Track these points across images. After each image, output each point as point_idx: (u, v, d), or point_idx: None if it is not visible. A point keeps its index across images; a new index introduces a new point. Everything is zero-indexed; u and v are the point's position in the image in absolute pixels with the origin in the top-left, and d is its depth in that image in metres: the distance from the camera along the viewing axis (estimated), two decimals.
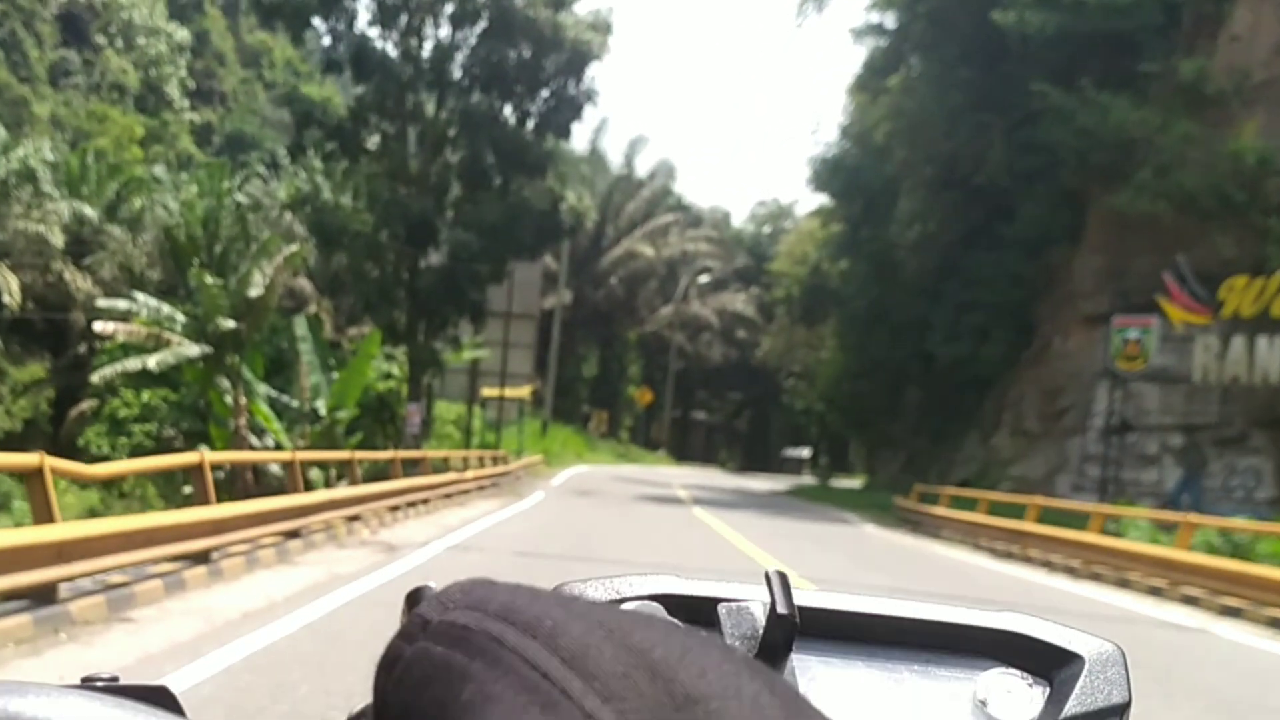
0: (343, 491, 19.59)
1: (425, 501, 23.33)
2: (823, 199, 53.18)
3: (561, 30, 38.84)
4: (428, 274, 39.41)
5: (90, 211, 49.37)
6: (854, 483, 60.61)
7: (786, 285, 60.29)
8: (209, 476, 13.89)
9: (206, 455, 14.62)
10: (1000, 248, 35.53)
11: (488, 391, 47.17)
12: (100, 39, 73.39)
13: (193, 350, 31.31)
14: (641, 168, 74.38)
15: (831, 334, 58.44)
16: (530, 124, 40.62)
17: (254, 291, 31.27)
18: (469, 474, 28.28)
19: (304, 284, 57.10)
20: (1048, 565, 21.25)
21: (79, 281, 44.71)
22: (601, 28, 39.85)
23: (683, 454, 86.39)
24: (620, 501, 32.16)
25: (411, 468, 27.86)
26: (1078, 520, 23.09)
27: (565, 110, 40.23)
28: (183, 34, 79.18)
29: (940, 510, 27.92)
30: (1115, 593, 17.90)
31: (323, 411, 32.73)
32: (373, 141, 39.80)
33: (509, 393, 46.74)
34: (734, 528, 24.46)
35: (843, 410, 55.97)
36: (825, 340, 78.19)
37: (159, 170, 61.31)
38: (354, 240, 38.98)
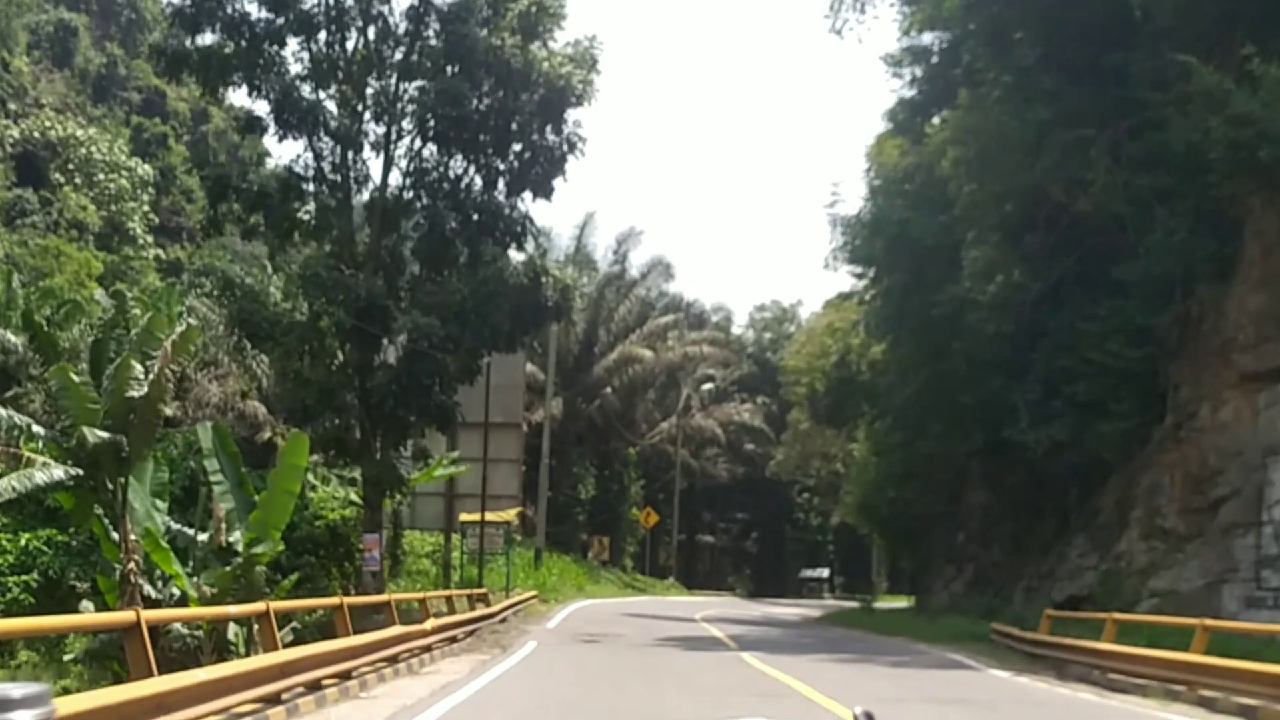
0: (203, 675, 11.44)
1: (348, 676, 15.11)
2: (841, 283, 45.66)
3: (534, 64, 31.43)
4: (381, 371, 31.54)
5: (14, 339, 42.75)
6: (894, 604, 52.19)
7: (807, 382, 52.39)
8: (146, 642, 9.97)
9: (144, 614, 10.82)
10: (1111, 296, 27.76)
11: (466, 516, 39.01)
12: (58, 176, 69.45)
13: (56, 473, 23.33)
14: (634, 265, 67.04)
15: (864, 435, 50.41)
16: (501, 183, 33.03)
17: (133, 390, 23.33)
18: (427, 624, 20.09)
19: (256, 406, 49.49)
20: None
21: None
22: (584, 62, 32.44)
23: (690, 580, 77.87)
24: (641, 648, 24.06)
25: (366, 618, 19.94)
26: None
27: (543, 164, 32.65)
28: (145, 169, 73.95)
29: (1108, 645, 19.67)
30: None
31: (242, 547, 24.58)
32: (306, 212, 32.14)
33: (493, 516, 38.59)
34: (817, 685, 16.43)
35: (882, 522, 47.68)
36: (847, 444, 70.44)
37: (99, 295, 54.80)
38: (286, 333, 31.19)
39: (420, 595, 22.51)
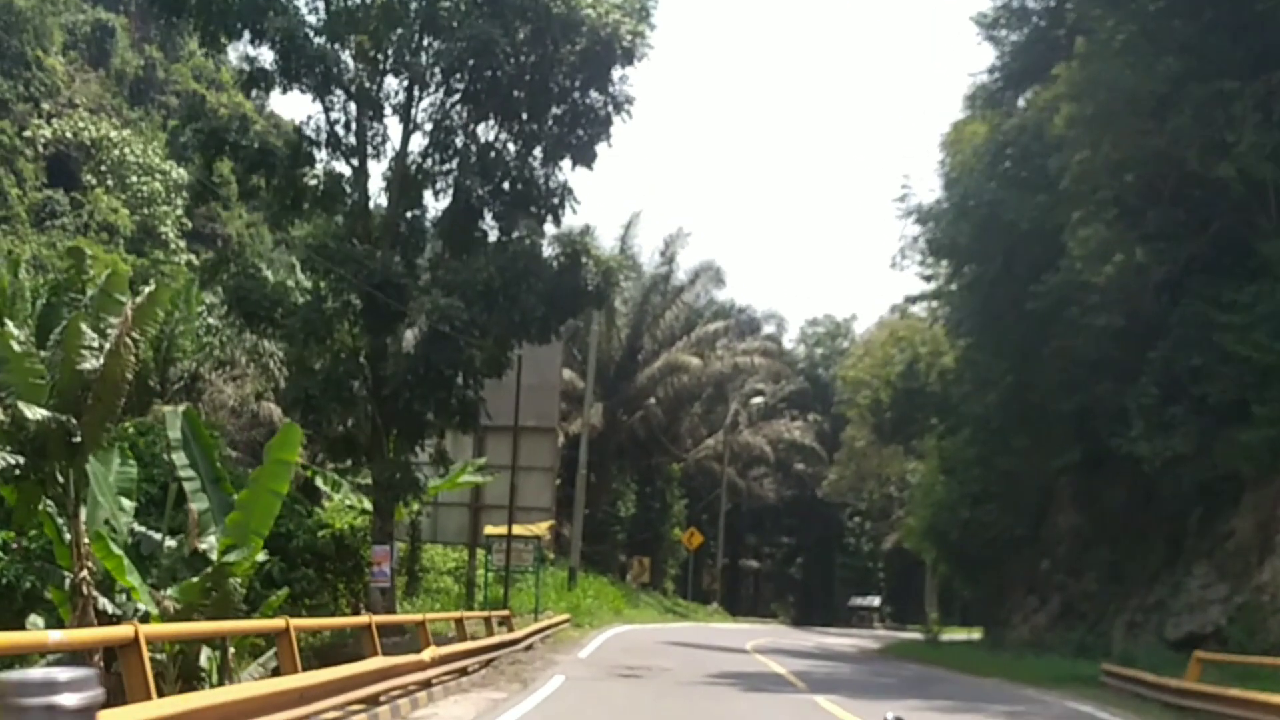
0: None
1: None
2: (909, 286, 41.13)
3: (577, 11, 27.42)
4: (397, 360, 27.54)
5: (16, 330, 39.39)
6: (956, 636, 47.65)
7: (869, 394, 47.97)
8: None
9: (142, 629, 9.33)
10: (1256, 279, 23.36)
11: (492, 529, 34.92)
12: (90, 178, 67.18)
13: None
14: (682, 269, 62.72)
15: (932, 451, 45.97)
16: (537, 149, 29.02)
17: (86, 362, 19.38)
18: (425, 654, 15.92)
19: (272, 409, 45.61)
20: None
21: None
22: (635, 10, 28.44)
23: (732, 606, 73.45)
24: (691, 687, 19.88)
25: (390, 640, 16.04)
26: None
27: (585, 126, 28.65)
28: (180, 173, 71.35)
29: None
30: None
31: (216, 555, 20.53)
32: (314, 177, 28.21)
33: (521, 530, 34.47)
34: None
35: (950, 547, 43.12)
36: (905, 463, 65.93)
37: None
38: (288, 315, 27.26)
39: (419, 617, 18.43)
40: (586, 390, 47.24)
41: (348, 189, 28.72)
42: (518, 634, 25.40)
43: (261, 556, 21.52)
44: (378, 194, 29.36)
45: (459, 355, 27.26)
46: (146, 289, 22.54)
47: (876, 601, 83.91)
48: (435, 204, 29.45)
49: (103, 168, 67.99)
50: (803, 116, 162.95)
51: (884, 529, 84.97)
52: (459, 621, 20.42)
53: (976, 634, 49.82)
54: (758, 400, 72.11)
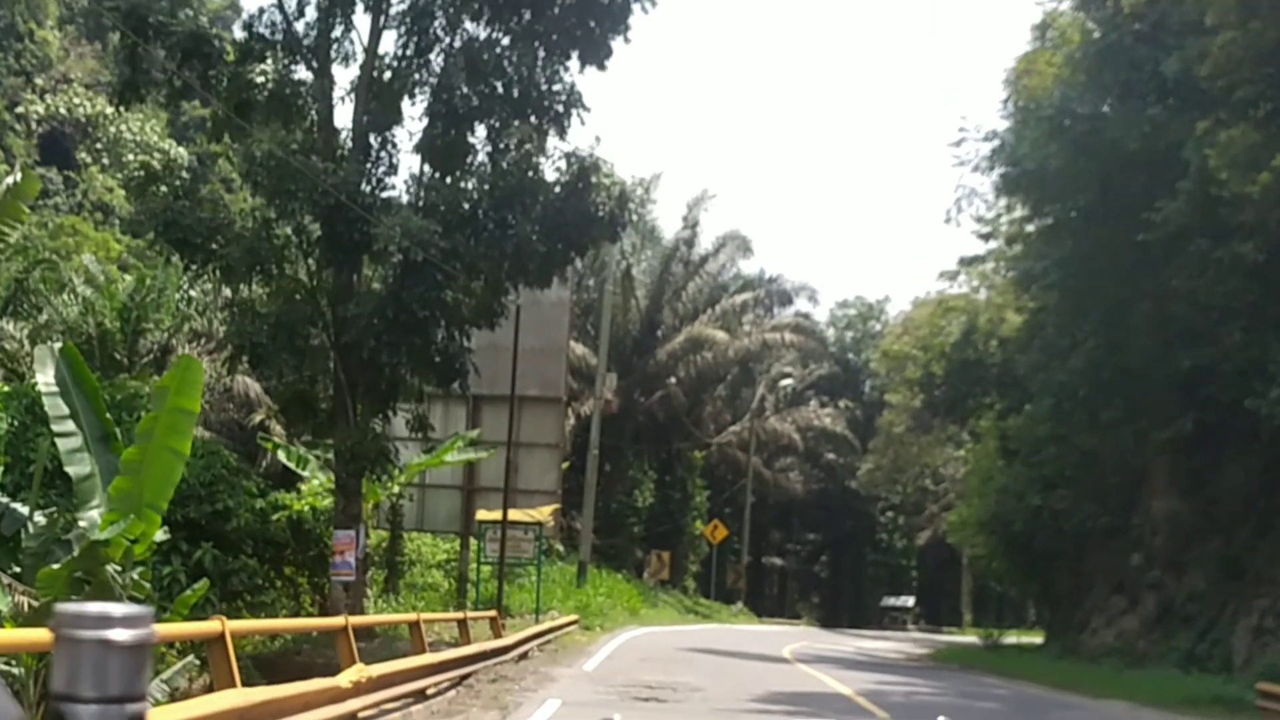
0: None
1: None
2: (964, 246, 35.62)
3: None
4: (360, 300, 22.26)
5: None
6: (1007, 639, 42.25)
7: (919, 366, 42.45)
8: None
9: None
10: None
11: (484, 514, 29.62)
12: (85, 156, 65.57)
13: None
14: (705, 238, 57.15)
15: (990, 431, 40.44)
16: (538, 47, 23.62)
17: None
18: (343, 677, 10.53)
19: (249, 383, 40.40)
20: None
21: None
22: None
23: (756, 607, 67.89)
24: (733, 716, 14.50)
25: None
26: None
27: (597, 16, 23.30)
28: (179, 152, 67.21)
29: None
30: None
31: (99, 532, 15.20)
32: (263, 73, 22.86)
33: (519, 515, 29.20)
34: None
35: (1013, 540, 37.46)
36: (944, 450, 60.50)
37: (88, 260, 47.00)
38: (230, 243, 22.00)
39: (341, 621, 13.04)
40: (600, 357, 41.63)
41: (309, 99, 23.42)
42: (507, 640, 20.05)
43: (160, 535, 16.23)
44: (344, 104, 24.11)
45: (436, 294, 21.98)
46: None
47: (910, 602, 78.53)
48: (414, 116, 24.11)
49: (98, 145, 65.51)
50: (832, 87, 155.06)
51: (923, 523, 79.69)
52: (414, 626, 15.01)
53: (1034, 638, 44.46)
54: (787, 382, 66.66)
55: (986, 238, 41.08)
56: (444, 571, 33.98)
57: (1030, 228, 31.91)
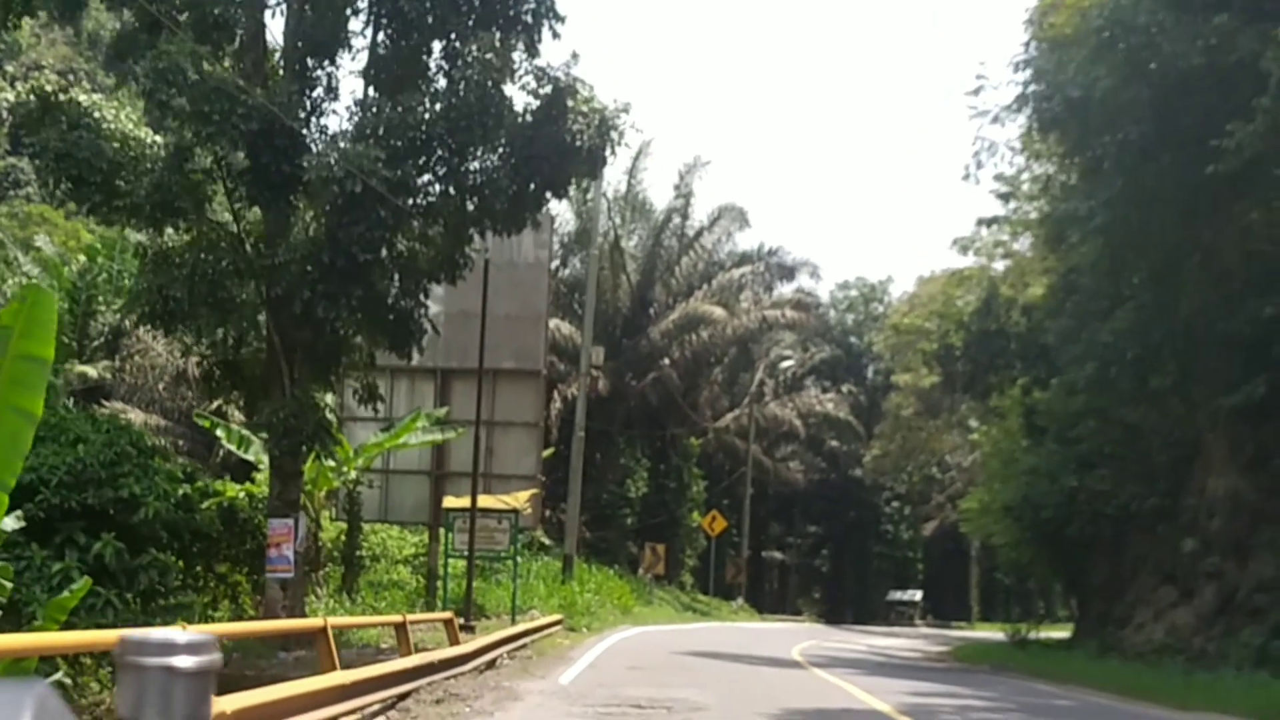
0: None
1: None
2: (982, 206, 32.13)
3: None
4: (295, 245, 18.72)
5: None
6: (1034, 635, 38.69)
7: (936, 338, 38.92)
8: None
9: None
10: None
11: (452, 501, 26.07)
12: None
13: None
14: (701, 210, 53.41)
15: (1013, 409, 36.86)
16: None
17: None
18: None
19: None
20: None
21: None
22: None
23: (755, 602, 64.29)
24: None
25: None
26: None
27: None
28: (156, 140, 63.63)
29: None
30: None
31: None
32: None
33: (489, 502, 25.68)
34: None
35: (1041, 527, 33.68)
36: (954, 433, 56.92)
37: (42, 242, 44.42)
38: (135, 179, 18.46)
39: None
40: (585, 330, 37.86)
41: (235, 11, 19.84)
42: (466, 647, 16.51)
43: (10, 523, 12.68)
44: (277, 18, 20.57)
45: (382, 234, 18.41)
46: None
47: (918, 596, 75.01)
48: (358, 31, 20.52)
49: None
50: (830, 58, 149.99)
51: (924, 514, 76.37)
52: (320, 633, 11.40)
53: (1054, 632, 40.97)
54: (788, 364, 63.10)
55: (1007, 197, 37.72)
56: (412, 568, 30.43)
57: (1063, 178, 28.39)
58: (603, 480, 49.76)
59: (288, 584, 19.84)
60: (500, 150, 19.41)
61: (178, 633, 1.84)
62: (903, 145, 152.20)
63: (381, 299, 19.57)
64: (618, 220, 50.56)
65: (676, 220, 52.01)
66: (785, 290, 57.53)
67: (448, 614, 18.19)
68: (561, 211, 49.21)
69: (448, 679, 14.78)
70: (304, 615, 20.13)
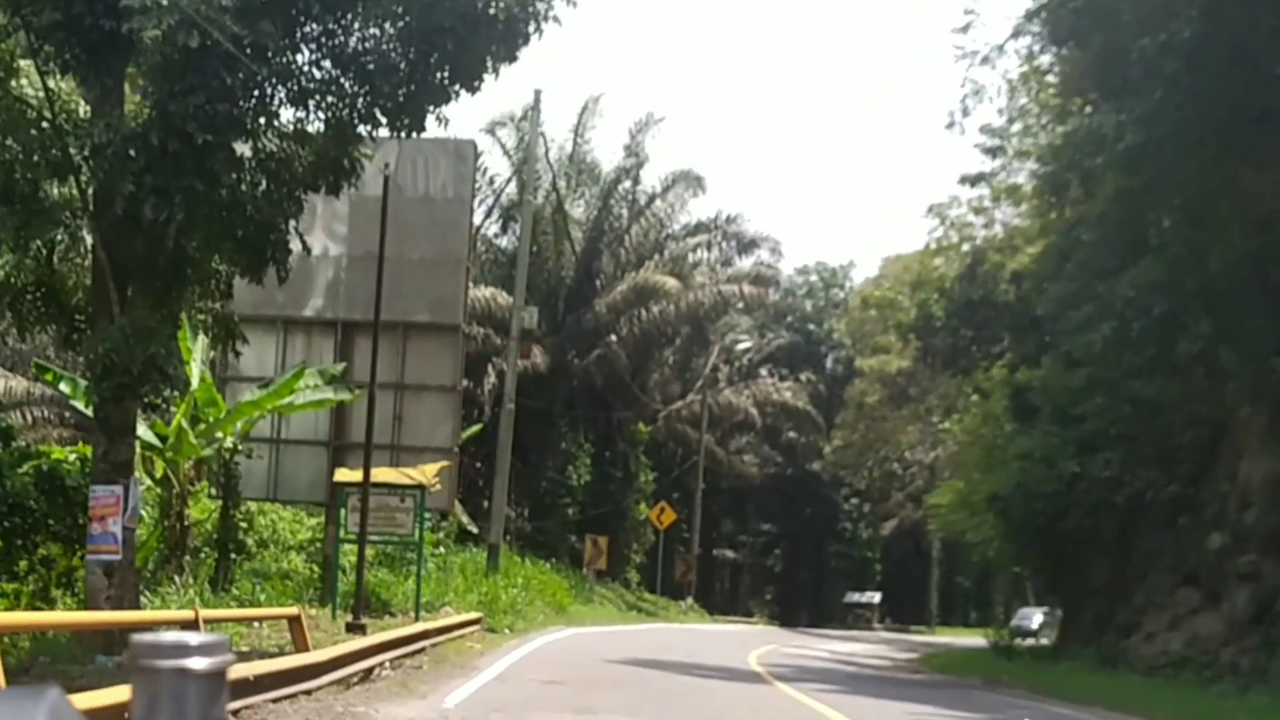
0: None
1: None
2: (964, 164, 28.23)
3: None
4: (115, 124, 14.32)
5: None
6: (999, 639, 34.71)
7: (914, 306, 34.88)
8: None
9: None
10: None
11: (345, 474, 21.70)
12: None
13: None
14: (653, 173, 49.13)
15: (999, 388, 32.86)
16: None
17: None
18: None
19: None
20: None
21: None
22: None
23: (706, 603, 60.08)
24: None
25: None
26: None
27: None
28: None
29: None
30: None
31: None
32: None
33: (392, 475, 21.38)
34: None
35: (1034, 521, 29.58)
36: (922, 421, 53.09)
37: None
38: None
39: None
40: (518, 285, 33.22)
41: None
42: (318, 655, 12.19)
43: None
44: None
45: (229, 110, 14.04)
46: None
47: (877, 598, 71.39)
48: None
49: None
50: (794, 22, 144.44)
51: (884, 511, 72.73)
52: None
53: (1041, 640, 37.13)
54: (744, 346, 59.01)
55: (994, 152, 33.77)
56: (306, 555, 26.03)
57: (1073, 108, 24.28)
58: (542, 466, 45.52)
59: (114, 568, 15.46)
60: (392, 17, 15.11)
61: (191, 635, 1.78)
62: (868, 121, 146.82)
63: (237, 206, 15.23)
64: (562, 184, 46.21)
65: (626, 184, 47.65)
66: (744, 264, 53.20)
67: (294, 609, 13.84)
68: (494, 163, 44.96)
69: (281, 698, 10.49)
70: (136, 607, 15.79)
